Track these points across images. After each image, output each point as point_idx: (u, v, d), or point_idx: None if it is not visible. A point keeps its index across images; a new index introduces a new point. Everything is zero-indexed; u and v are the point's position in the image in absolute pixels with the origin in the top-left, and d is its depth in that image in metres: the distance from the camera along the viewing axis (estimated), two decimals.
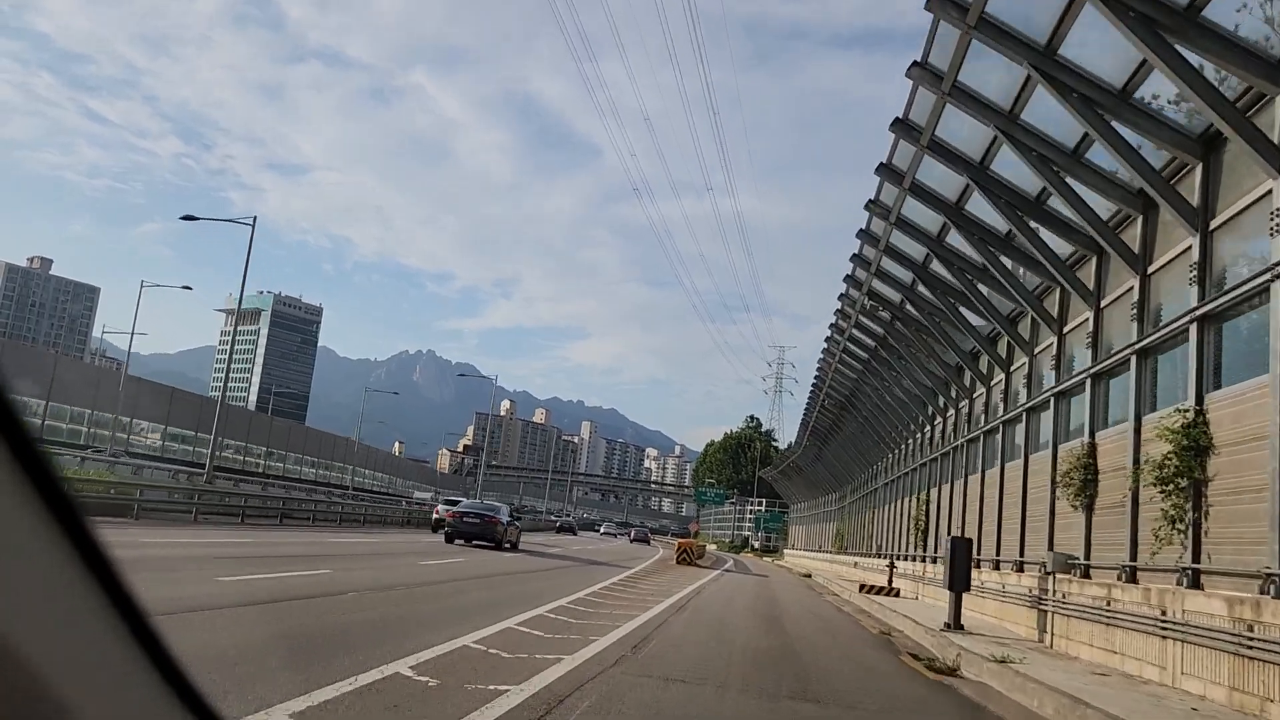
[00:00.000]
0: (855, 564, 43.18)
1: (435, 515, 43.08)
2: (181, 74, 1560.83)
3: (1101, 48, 11.44)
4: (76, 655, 0.81)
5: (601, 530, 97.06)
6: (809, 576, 45.25)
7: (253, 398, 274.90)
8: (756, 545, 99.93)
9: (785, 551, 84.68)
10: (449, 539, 31.54)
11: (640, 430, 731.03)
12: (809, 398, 54.84)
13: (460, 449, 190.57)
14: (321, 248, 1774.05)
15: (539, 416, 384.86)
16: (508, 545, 32.45)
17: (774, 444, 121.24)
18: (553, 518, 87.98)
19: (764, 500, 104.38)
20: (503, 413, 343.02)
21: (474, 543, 31.03)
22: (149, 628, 0.88)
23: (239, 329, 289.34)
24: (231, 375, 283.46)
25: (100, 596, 0.83)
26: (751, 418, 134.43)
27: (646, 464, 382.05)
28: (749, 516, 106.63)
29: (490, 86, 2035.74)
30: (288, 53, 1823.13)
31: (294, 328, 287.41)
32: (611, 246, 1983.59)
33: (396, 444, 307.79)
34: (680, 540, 41.17)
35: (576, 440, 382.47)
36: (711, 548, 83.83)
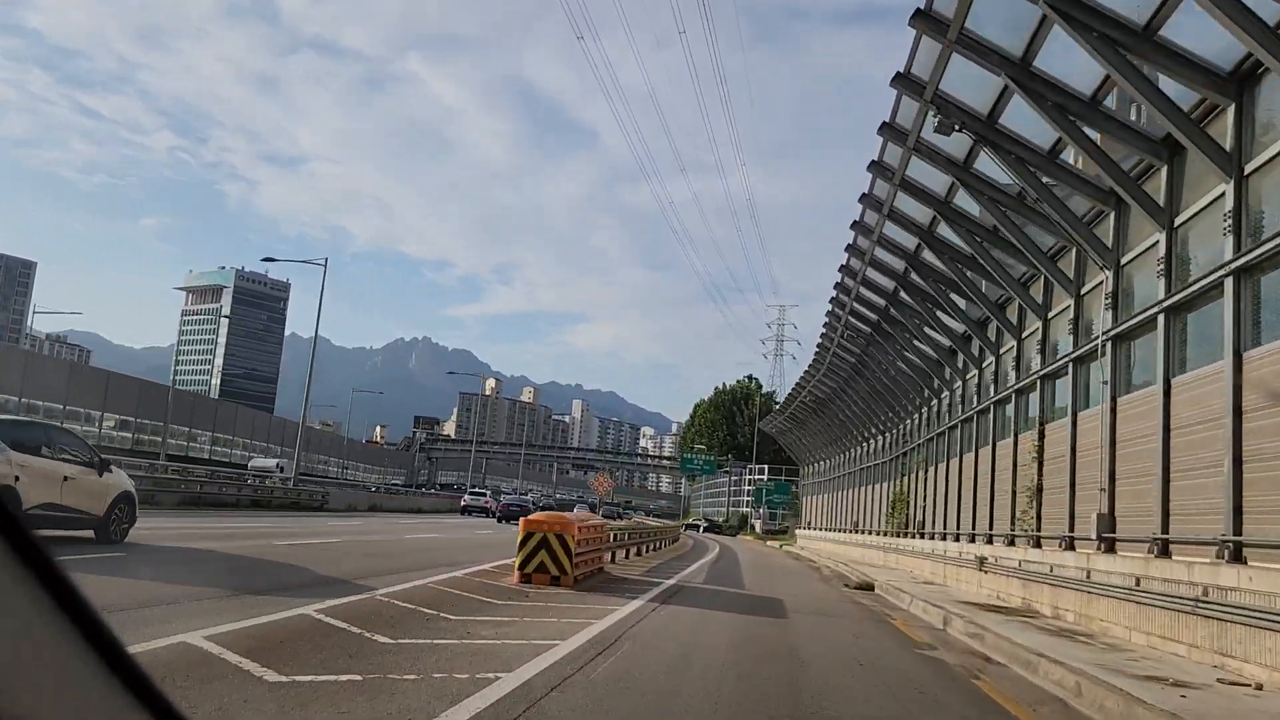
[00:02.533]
0: (982, 563, 18.69)
1: (462, 503, 53.77)
2: (176, 67, 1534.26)
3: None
4: (24, 653, 0.75)
5: (575, 510, 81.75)
6: (869, 589, 20.79)
7: (215, 380, 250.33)
8: (758, 526, 75.57)
9: (798, 533, 60.27)
10: (500, 520, 42.06)
11: (640, 412, 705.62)
12: (834, 295, 31.03)
13: (424, 426, 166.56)
14: (320, 239, 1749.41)
15: (526, 395, 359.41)
16: None
17: (775, 404, 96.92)
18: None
19: (765, 467, 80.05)
20: (487, 391, 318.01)
21: (513, 521, 37.13)
22: (95, 620, 0.81)
23: (199, 308, 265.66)
24: (194, 358, 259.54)
25: (42, 593, 0.76)
26: (750, 377, 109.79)
27: (642, 443, 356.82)
28: (747, 488, 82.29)
29: (488, 73, 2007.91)
30: (283, 44, 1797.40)
31: (259, 305, 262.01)
32: (613, 231, 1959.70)
33: (379, 429, 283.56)
34: (532, 520, 13.91)
35: (568, 420, 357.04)
36: (680, 530, 59.65)
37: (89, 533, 12.61)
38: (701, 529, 70.48)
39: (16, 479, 11.01)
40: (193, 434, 63.51)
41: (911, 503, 29.75)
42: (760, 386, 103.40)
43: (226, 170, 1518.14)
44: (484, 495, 56.41)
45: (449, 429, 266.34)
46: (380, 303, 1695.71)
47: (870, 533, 38.11)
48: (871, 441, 39.51)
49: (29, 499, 11.16)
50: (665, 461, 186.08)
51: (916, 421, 30.47)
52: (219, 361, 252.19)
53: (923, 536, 27.41)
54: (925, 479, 28.06)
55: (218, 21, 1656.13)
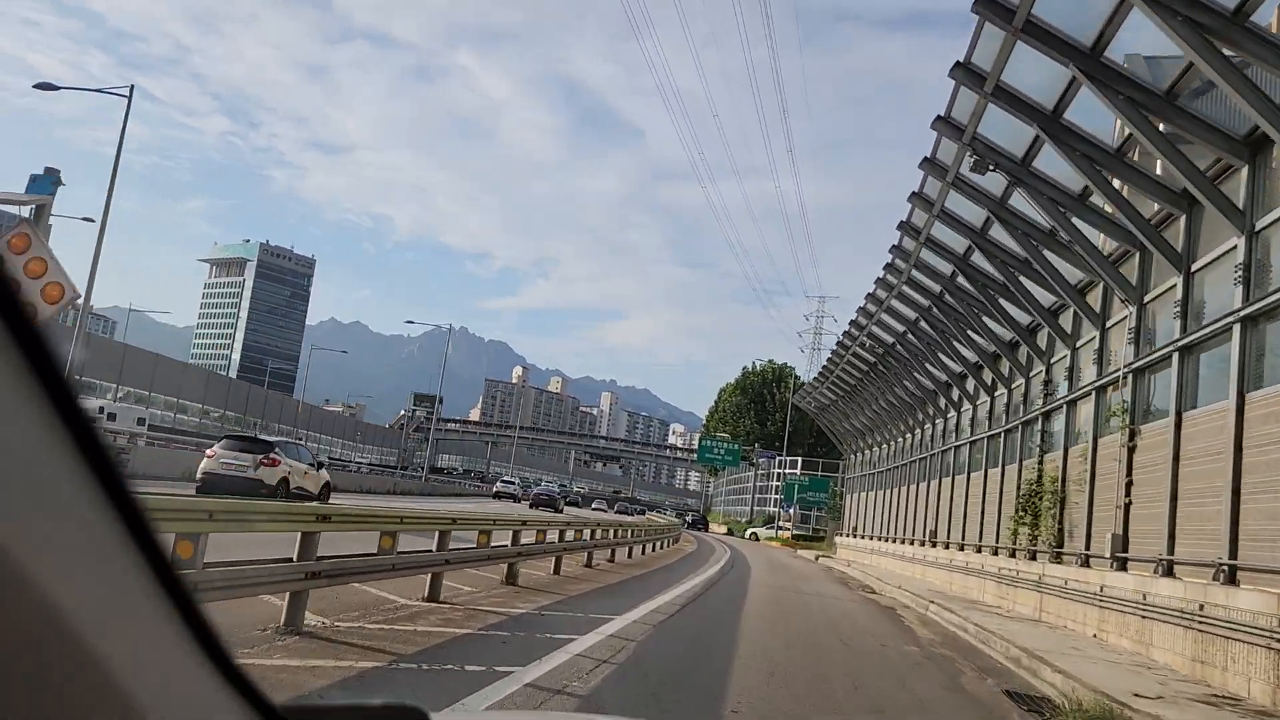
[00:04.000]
0: None
1: (495, 490, 61.44)
2: (229, 52, 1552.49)
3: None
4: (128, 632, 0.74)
5: (593, 506, 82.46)
6: None
7: (236, 356, 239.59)
8: (786, 529, 61.10)
9: (838, 540, 45.81)
10: (532, 506, 47.00)
11: (674, 410, 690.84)
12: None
13: (423, 404, 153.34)
14: (362, 226, 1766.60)
15: (554, 385, 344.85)
16: (560, 509, 45.73)
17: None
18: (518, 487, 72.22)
19: (799, 459, 65.47)
20: (514, 380, 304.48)
21: (540, 507, 43.66)
22: (179, 584, 0.81)
23: (221, 281, 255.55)
24: (214, 334, 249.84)
25: (139, 560, 0.75)
26: (784, 364, 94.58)
27: (671, 439, 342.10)
28: (775, 483, 67.74)
29: (535, 67, 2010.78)
30: (334, 32, 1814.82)
31: (283, 280, 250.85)
32: (651, 228, 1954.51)
33: (401, 412, 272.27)
34: None
35: (595, 412, 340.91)
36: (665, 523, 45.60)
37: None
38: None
39: (289, 473, 19.24)
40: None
41: (1083, 501, 15.24)
42: (793, 371, 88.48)
43: (275, 156, 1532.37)
44: (514, 484, 64.28)
45: (474, 416, 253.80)
46: (419, 291, 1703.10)
47: (962, 547, 23.74)
48: (970, 408, 25.07)
49: (292, 484, 19.31)
50: (693, 455, 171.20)
51: (1086, 353, 16.08)
52: (240, 335, 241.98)
53: (1118, 565, 13.07)
54: (1133, 450, 13.59)
55: (271, 8, 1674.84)
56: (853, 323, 32.17)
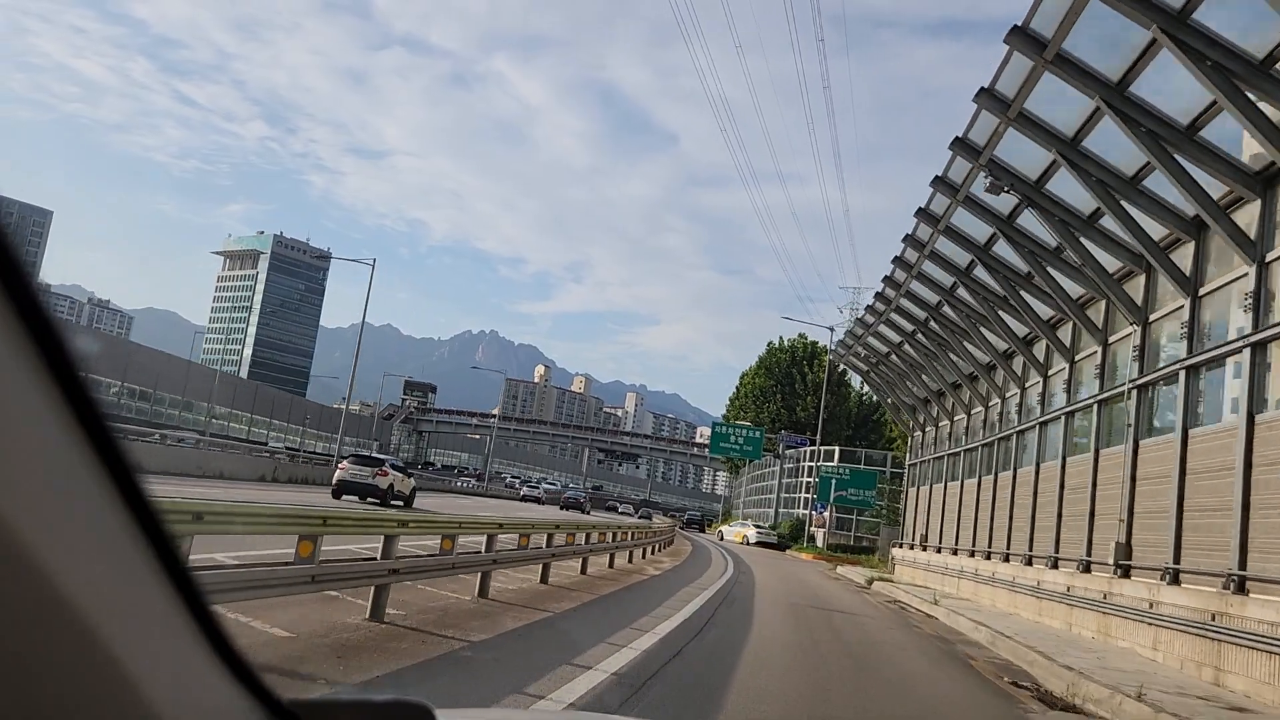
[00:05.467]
0: None
1: (522, 493, 63.97)
2: (270, 59, 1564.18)
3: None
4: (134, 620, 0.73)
5: (620, 510, 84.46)
6: None
7: (247, 352, 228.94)
8: (819, 537, 47.33)
9: (896, 553, 31.90)
10: (562, 508, 52.84)
11: (703, 416, 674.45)
12: None
13: (414, 393, 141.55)
14: (398, 231, 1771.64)
15: (577, 385, 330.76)
16: (586, 510, 55.84)
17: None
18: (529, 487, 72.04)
19: (835, 450, 51.46)
20: (536, 379, 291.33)
21: (569, 509, 52.04)
22: (190, 581, 0.80)
23: (234, 274, 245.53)
24: (225, 328, 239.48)
25: (146, 546, 0.75)
26: (817, 342, 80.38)
27: (699, 441, 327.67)
28: (805, 479, 53.73)
29: (571, 72, 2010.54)
30: (374, 39, 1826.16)
31: (297, 273, 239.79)
32: (686, 233, 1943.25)
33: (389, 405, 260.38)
34: None
35: (620, 414, 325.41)
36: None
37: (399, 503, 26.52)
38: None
39: (394, 480, 26.58)
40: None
41: None
42: (826, 350, 74.23)
43: (313, 161, 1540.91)
44: (538, 487, 67.69)
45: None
46: (452, 295, 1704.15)
47: (1242, 585, 9.93)
48: (1185, 301, 11.18)
49: (393, 489, 26.23)
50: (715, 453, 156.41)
51: None
52: (252, 330, 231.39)
53: None
54: None
55: (313, 15, 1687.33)
56: (908, 244, 18.47)
